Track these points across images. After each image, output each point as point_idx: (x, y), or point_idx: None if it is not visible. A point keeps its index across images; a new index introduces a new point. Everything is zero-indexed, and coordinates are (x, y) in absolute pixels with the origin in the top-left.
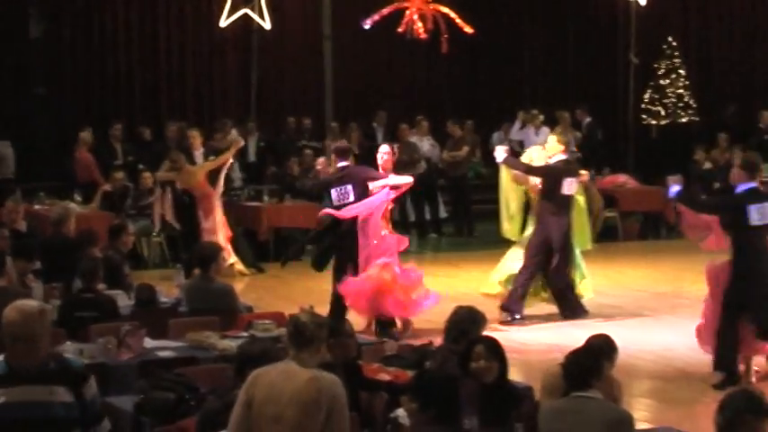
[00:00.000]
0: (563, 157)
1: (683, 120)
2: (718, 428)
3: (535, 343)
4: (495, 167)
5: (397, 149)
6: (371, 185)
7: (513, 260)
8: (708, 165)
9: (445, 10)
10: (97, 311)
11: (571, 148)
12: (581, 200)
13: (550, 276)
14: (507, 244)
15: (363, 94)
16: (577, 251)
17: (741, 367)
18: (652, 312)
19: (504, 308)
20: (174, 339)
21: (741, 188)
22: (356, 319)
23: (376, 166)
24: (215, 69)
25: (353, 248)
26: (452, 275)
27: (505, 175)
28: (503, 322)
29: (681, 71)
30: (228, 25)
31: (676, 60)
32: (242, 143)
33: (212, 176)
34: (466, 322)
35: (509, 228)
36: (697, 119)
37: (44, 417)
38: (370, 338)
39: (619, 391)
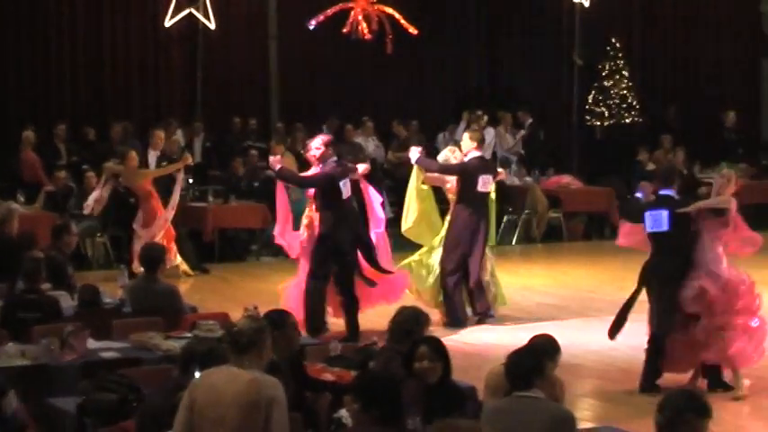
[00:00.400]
0: (477, 153)
1: (627, 120)
2: (659, 428)
3: (479, 343)
4: None
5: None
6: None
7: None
8: (651, 166)
9: (390, 11)
10: (40, 312)
11: (519, 149)
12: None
13: (443, 276)
14: None
15: (309, 94)
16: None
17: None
18: (596, 312)
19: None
20: (117, 340)
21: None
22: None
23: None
24: (160, 69)
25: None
26: None
27: (416, 177)
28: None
29: (624, 72)
30: (173, 25)
31: (620, 61)
32: (190, 161)
33: (162, 185)
34: (410, 323)
35: (409, 228)
36: (640, 120)
37: None
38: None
39: (562, 391)
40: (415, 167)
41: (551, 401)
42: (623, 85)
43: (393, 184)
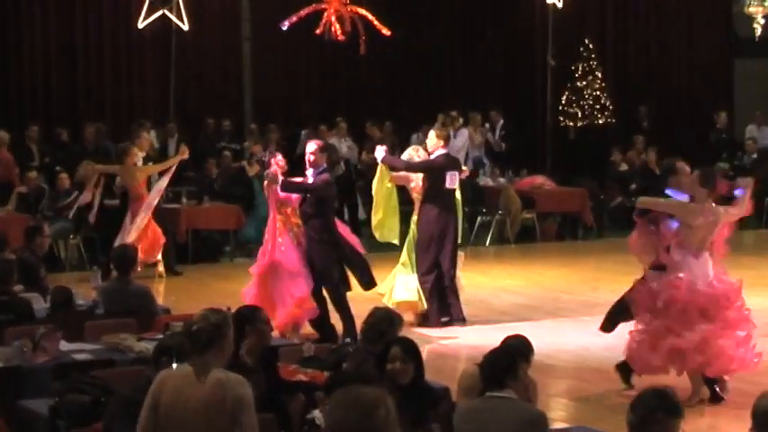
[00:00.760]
0: (443, 151)
1: (600, 121)
2: (631, 427)
3: (453, 344)
4: None
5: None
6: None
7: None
8: (624, 166)
9: (363, 12)
10: (12, 314)
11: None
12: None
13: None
14: None
15: (283, 95)
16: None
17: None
18: (569, 313)
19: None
20: (90, 342)
21: None
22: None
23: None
24: (133, 70)
25: None
26: None
27: (381, 176)
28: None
29: (597, 73)
30: (147, 26)
31: (593, 62)
32: (187, 155)
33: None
34: (383, 324)
35: (379, 229)
36: (613, 120)
37: None
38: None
39: (535, 391)
40: (381, 166)
41: (523, 402)
42: (597, 86)
43: (366, 185)
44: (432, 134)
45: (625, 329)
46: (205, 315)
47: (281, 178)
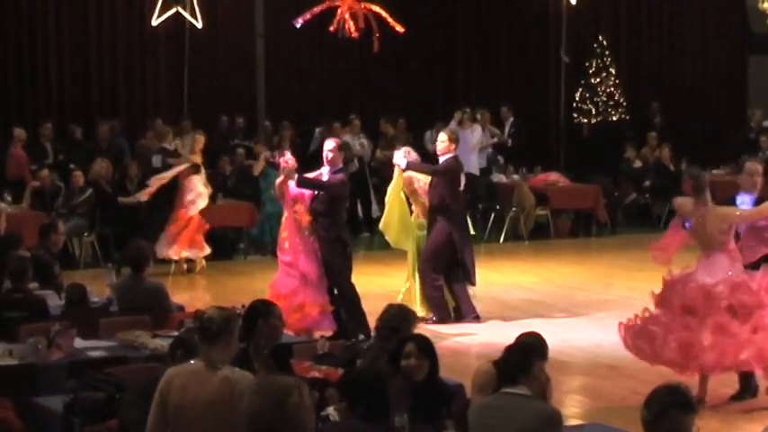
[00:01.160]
0: (453, 154)
1: (614, 118)
2: (645, 424)
3: (467, 341)
4: None
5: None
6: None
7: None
8: (638, 163)
9: (376, 9)
10: (27, 311)
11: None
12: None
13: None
14: None
15: (296, 93)
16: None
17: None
18: (582, 310)
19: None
20: (104, 339)
21: None
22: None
23: (317, 163)
24: (147, 68)
25: None
26: (384, 274)
27: (397, 183)
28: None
29: (611, 69)
30: (160, 24)
31: (607, 59)
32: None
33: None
34: (397, 320)
35: (390, 235)
36: (627, 117)
37: None
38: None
39: (550, 389)
40: (398, 172)
41: (537, 399)
42: (610, 83)
43: (380, 182)
44: (444, 137)
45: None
46: (215, 309)
47: (296, 175)
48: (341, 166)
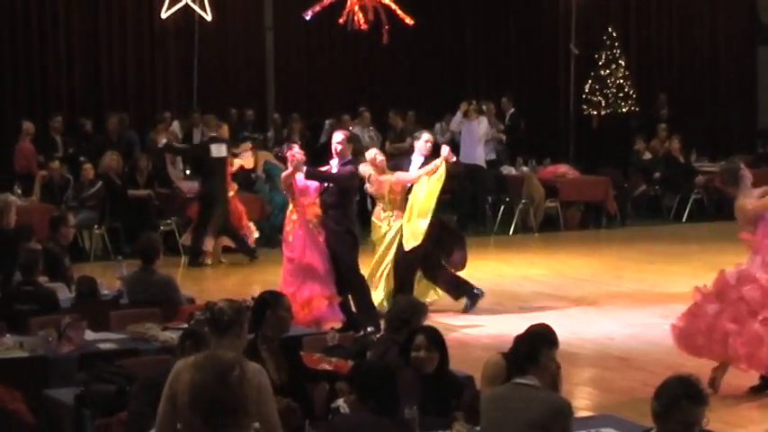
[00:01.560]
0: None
1: (624, 110)
2: (655, 415)
3: (476, 333)
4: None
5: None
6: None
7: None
8: (648, 155)
9: (386, 1)
10: (37, 304)
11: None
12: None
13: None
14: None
15: (306, 85)
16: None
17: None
18: (592, 301)
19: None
20: (115, 331)
21: None
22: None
23: (327, 156)
24: (156, 61)
25: None
26: None
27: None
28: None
29: (621, 61)
30: (170, 17)
31: (616, 51)
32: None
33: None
34: (407, 312)
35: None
36: (637, 109)
37: None
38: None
39: (560, 379)
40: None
41: (548, 390)
42: (620, 75)
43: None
44: (429, 136)
45: (651, 318)
46: (226, 302)
47: (304, 167)
48: (350, 157)
